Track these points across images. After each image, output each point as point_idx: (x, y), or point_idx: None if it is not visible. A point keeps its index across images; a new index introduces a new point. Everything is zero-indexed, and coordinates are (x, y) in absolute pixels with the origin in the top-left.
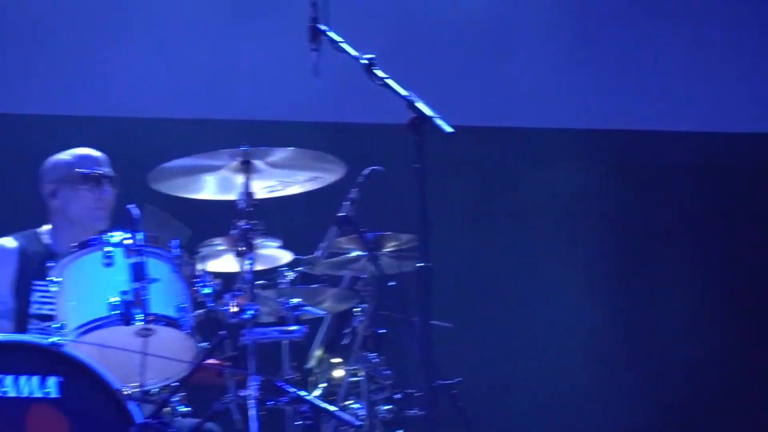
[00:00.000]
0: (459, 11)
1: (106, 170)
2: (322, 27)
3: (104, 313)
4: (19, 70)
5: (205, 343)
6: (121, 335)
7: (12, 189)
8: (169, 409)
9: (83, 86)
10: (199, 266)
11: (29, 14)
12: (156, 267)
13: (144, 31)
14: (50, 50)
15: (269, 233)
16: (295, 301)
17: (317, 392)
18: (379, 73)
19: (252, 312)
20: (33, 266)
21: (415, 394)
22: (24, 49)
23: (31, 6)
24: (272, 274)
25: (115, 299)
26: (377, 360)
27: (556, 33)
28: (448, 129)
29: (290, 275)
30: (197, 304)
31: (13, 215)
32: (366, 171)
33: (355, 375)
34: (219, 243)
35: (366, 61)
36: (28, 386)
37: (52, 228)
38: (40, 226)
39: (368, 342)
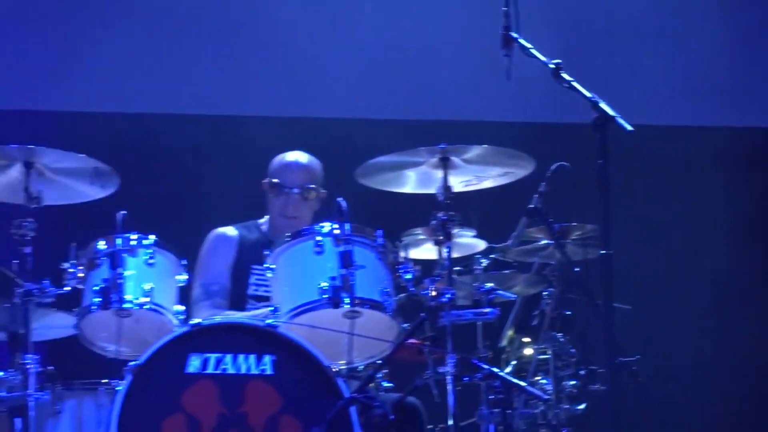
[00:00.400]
0: (639, 13)
1: (294, 181)
2: (514, 34)
3: (315, 297)
4: (244, 76)
5: (406, 325)
6: (330, 317)
7: (239, 183)
8: (373, 384)
9: (302, 89)
10: (402, 254)
11: (255, 19)
12: (362, 255)
13: (352, 37)
14: (270, 54)
15: (465, 224)
16: (489, 285)
17: (509, 369)
18: (566, 76)
19: (449, 296)
20: (251, 252)
21: (598, 371)
22: (243, 52)
23: (268, 9)
24: (468, 261)
25: (325, 284)
26: (563, 339)
27: (729, 31)
28: (629, 127)
29: (484, 262)
30: (399, 289)
31: (241, 206)
32: (553, 166)
33: (543, 353)
34: (419, 233)
35: (553, 66)
36: (246, 364)
37: (269, 219)
38: (262, 217)
39: (555, 323)
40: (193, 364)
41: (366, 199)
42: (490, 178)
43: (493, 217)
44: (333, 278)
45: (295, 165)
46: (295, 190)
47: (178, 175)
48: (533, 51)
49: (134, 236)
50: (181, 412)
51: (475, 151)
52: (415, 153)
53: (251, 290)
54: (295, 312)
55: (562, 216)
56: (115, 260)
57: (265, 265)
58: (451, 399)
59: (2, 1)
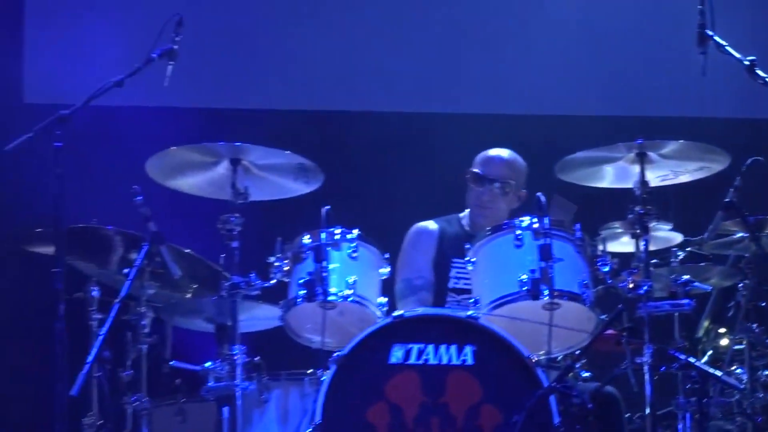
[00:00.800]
0: None
1: (493, 173)
2: (709, 32)
3: (514, 290)
4: (445, 73)
5: (604, 316)
6: (530, 309)
7: (440, 178)
8: (572, 374)
9: (502, 86)
10: (600, 247)
11: (453, 19)
12: (561, 248)
13: (550, 35)
14: (470, 52)
15: (662, 217)
16: (685, 277)
17: (705, 359)
18: (760, 72)
19: (646, 287)
20: (451, 246)
21: None
22: (443, 51)
23: (463, 9)
24: (664, 254)
25: (525, 277)
26: (758, 330)
27: None
28: None
29: (681, 254)
30: (597, 281)
31: (441, 201)
32: (748, 161)
33: (738, 343)
34: (617, 226)
35: (748, 63)
36: (447, 354)
37: (470, 213)
38: (462, 210)
39: (750, 314)
40: (396, 354)
41: (565, 194)
42: (686, 173)
43: (689, 211)
44: (533, 271)
45: (498, 158)
46: (496, 184)
47: (381, 171)
48: (728, 48)
49: (338, 230)
50: (384, 402)
51: (671, 146)
52: (612, 149)
53: (451, 283)
54: (495, 304)
55: (757, 209)
56: (320, 254)
57: (465, 259)
58: (648, 388)
59: (219, 5)
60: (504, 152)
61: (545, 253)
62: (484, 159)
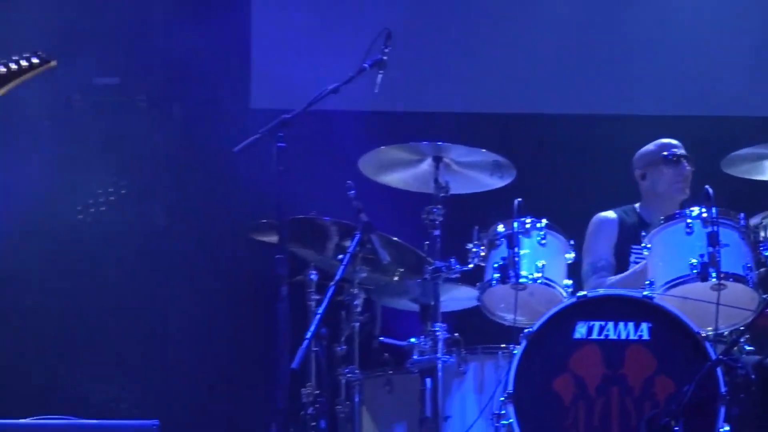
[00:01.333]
0: None
1: (681, 152)
2: None
3: (685, 272)
4: (624, 76)
5: (766, 295)
6: (699, 289)
7: (617, 173)
8: (737, 348)
9: (665, 88)
10: (762, 234)
11: (621, 23)
12: (727, 234)
13: (703, 38)
14: (648, 59)
15: None
16: None
17: None
18: None
19: None
20: (629, 233)
21: None
22: (629, 57)
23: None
24: None
25: (694, 261)
26: None
27: None
28: None
29: None
30: (759, 264)
31: (614, 194)
32: None
33: None
34: None
35: None
36: (626, 330)
37: (644, 203)
38: (636, 202)
39: None
40: (580, 330)
41: (730, 186)
42: None
43: None
44: (701, 255)
45: (670, 142)
46: (687, 158)
47: (567, 167)
48: None
49: (529, 220)
50: (568, 373)
51: None
52: None
53: (631, 268)
54: (668, 285)
55: None
56: (512, 241)
57: (641, 245)
58: None
59: (423, 17)
60: (669, 138)
61: (713, 239)
62: (662, 144)
